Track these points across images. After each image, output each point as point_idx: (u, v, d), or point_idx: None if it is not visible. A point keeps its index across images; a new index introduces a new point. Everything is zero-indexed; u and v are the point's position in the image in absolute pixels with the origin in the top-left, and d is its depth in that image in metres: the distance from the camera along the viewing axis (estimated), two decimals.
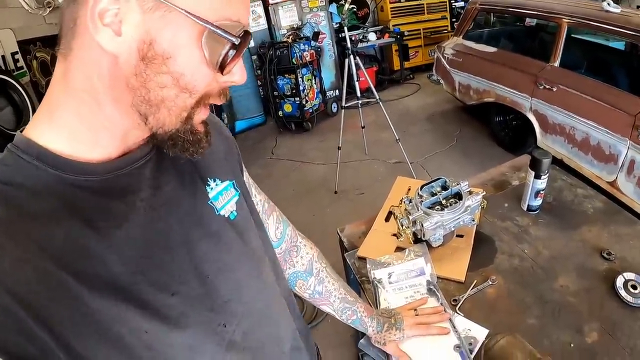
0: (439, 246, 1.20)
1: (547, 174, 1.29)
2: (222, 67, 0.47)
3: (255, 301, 0.64)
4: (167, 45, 0.44)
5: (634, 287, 1.04)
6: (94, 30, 0.42)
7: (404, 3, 5.50)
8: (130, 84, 0.45)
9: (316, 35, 4.66)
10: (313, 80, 4.64)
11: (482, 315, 1.04)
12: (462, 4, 5.87)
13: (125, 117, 0.48)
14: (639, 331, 0.94)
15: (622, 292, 1.03)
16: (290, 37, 4.56)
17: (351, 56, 3.22)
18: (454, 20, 5.77)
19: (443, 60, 4.13)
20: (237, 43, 0.46)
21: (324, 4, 4.86)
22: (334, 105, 4.94)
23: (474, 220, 1.20)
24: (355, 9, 5.05)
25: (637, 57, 3.30)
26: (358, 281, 1.22)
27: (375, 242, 1.31)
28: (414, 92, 5.39)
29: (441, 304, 1.06)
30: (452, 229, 1.19)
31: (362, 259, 1.26)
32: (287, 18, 4.79)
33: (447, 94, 4.47)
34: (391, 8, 5.42)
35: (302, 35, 4.63)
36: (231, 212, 0.63)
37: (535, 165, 1.28)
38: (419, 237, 1.19)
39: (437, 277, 1.15)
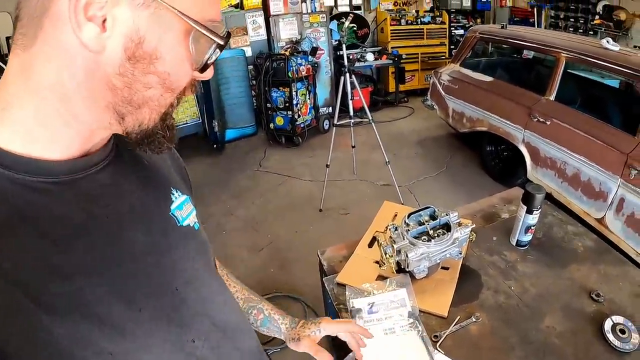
0: (422, 278, 1.16)
1: (540, 210, 1.26)
2: (205, 67, 0.48)
3: (221, 314, 0.63)
4: (155, 44, 0.43)
5: (622, 332, 1.01)
6: (75, 24, 0.39)
7: (404, 26, 5.59)
8: (112, 84, 0.43)
9: (314, 50, 4.69)
10: (307, 95, 4.64)
11: (464, 354, 0.99)
12: (461, 31, 5.97)
13: (97, 117, 0.46)
14: None
15: (610, 337, 1.00)
16: (288, 50, 4.58)
17: (347, 74, 3.22)
18: (452, 47, 5.87)
19: (439, 85, 4.18)
20: (222, 44, 0.46)
21: (325, 20, 4.91)
22: (326, 122, 4.94)
23: (460, 254, 1.17)
24: (355, 28, 5.12)
25: (631, 95, 3.37)
26: (335, 309, 1.16)
27: (356, 269, 1.26)
28: (407, 116, 5.44)
29: (422, 338, 1.01)
30: (438, 261, 1.15)
31: (342, 286, 1.21)
32: (287, 31, 4.83)
33: (440, 119, 4.52)
34: (391, 30, 5.50)
35: (300, 50, 4.66)
36: (194, 222, 0.63)
37: (527, 199, 1.26)
38: (402, 267, 1.15)
39: (419, 311, 1.10)
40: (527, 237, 1.32)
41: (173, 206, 0.59)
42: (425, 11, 5.91)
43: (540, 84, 3.28)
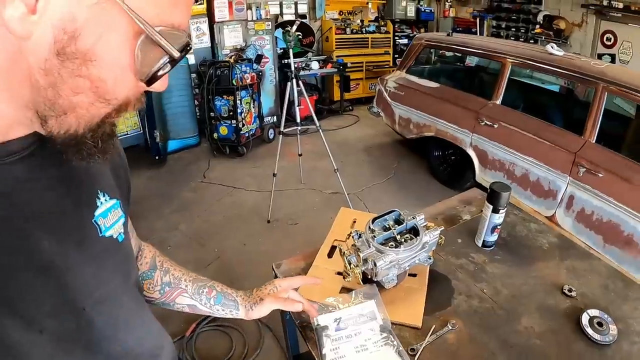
0: (391, 287, 1.05)
1: (505, 209, 1.22)
2: (151, 80, 0.42)
3: (137, 339, 0.58)
4: (93, 42, 0.36)
5: (600, 325, 0.99)
6: None
7: (350, 35, 5.65)
8: (34, 80, 0.37)
9: (259, 58, 4.59)
10: (252, 104, 4.52)
11: None
12: (405, 41, 6.15)
13: (14, 112, 0.40)
14: None
15: (590, 331, 0.98)
16: (233, 57, 4.43)
17: (294, 80, 3.12)
18: (396, 56, 6.02)
19: (385, 92, 4.21)
20: (176, 57, 0.41)
21: (270, 27, 4.84)
22: (271, 131, 4.84)
23: (430, 258, 1.09)
24: (300, 36, 5.09)
25: (571, 98, 3.58)
26: (297, 326, 1.03)
27: (316, 287, 1.12)
28: (352, 124, 5.47)
29: (399, 353, 0.91)
30: (407, 268, 1.05)
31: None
32: (231, 38, 4.71)
33: (386, 127, 4.58)
34: (336, 39, 5.55)
35: (244, 57, 4.53)
36: (119, 233, 0.56)
37: (493, 198, 1.21)
38: (369, 277, 1.04)
39: (391, 323, 0.99)
40: (494, 237, 1.28)
41: (97, 212, 0.52)
42: (370, 21, 6.03)
43: (486, 89, 3.39)
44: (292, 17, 5.34)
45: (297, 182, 3.92)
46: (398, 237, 1.05)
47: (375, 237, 1.02)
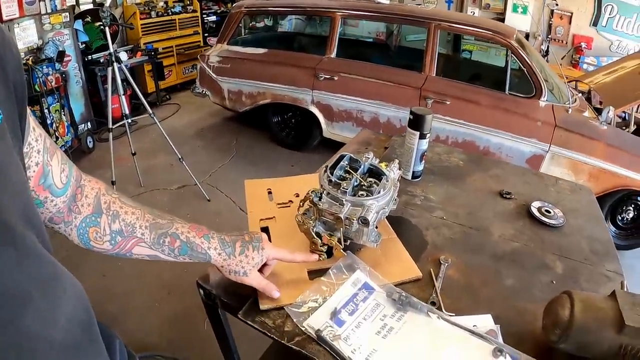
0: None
1: (430, 132, 1.18)
2: None
3: (7, 279, 0.40)
4: None
5: (548, 211, 1.10)
6: None
7: (155, 19, 5.11)
8: None
9: (61, 54, 3.78)
10: (62, 111, 3.72)
11: (468, 302, 0.82)
12: (214, 18, 5.92)
13: None
14: (574, 243, 1.03)
15: (545, 219, 1.08)
16: (30, 59, 3.51)
17: (115, 64, 2.57)
18: (206, 34, 5.77)
19: (208, 69, 3.87)
20: None
21: (69, 20, 4.00)
22: (89, 139, 4.05)
23: (396, 200, 0.96)
24: (102, 27, 4.32)
25: (389, 44, 3.91)
26: (292, 348, 0.76)
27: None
28: (174, 112, 5.00)
29: (427, 312, 0.77)
30: (382, 218, 0.90)
31: (271, 311, 0.79)
32: (24, 38, 3.71)
33: (211, 108, 4.35)
34: (142, 25, 4.94)
35: (44, 57, 3.68)
36: None
37: (418, 124, 1.17)
38: (350, 241, 0.86)
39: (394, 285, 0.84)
40: (422, 166, 1.25)
41: None
42: (175, 1, 5.61)
43: (317, 45, 3.44)
44: (90, 7, 4.52)
45: (137, 185, 3.34)
46: (366, 184, 0.88)
47: (345, 190, 0.83)
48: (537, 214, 1.09)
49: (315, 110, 3.35)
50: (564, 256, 0.97)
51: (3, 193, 0.42)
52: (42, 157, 0.57)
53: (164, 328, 2.09)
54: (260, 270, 0.78)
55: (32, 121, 0.56)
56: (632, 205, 2.83)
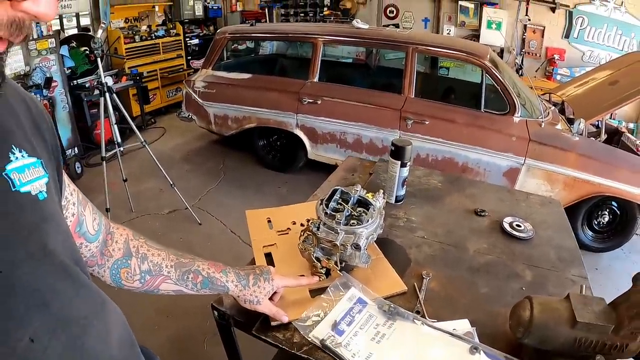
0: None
1: (410, 161, 1.36)
2: None
3: (70, 307, 0.53)
4: None
5: (518, 226, 1.28)
6: None
7: (139, 43, 5.28)
8: None
9: (49, 81, 3.87)
10: None
11: (448, 310, 0.99)
12: (196, 41, 6.10)
13: None
14: (543, 252, 1.19)
15: (515, 233, 1.26)
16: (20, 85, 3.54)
17: (107, 94, 2.72)
18: (189, 57, 5.97)
19: (194, 94, 4.02)
20: None
21: (55, 45, 4.10)
22: (77, 164, 4.12)
23: (382, 225, 1.13)
24: (87, 52, 4.46)
25: (368, 66, 4.17)
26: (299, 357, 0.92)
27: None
28: (160, 136, 5.10)
29: (412, 320, 0.93)
30: (372, 242, 1.07)
31: (281, 327, 0.95)
32: (12, 64, 3.84)
33: (197, 131, 4.47)
34: (126, 49, 5.10)
35: (32, 83, 3.77)
36: (40, 191, 0.53)
37: (399, 154, 1.34)
38: (345, 263, 1.02)
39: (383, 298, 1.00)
40: (403, 191, 1.42)
41: (10, 167, 0.49)
42: (158, 25, 5.79)
43: (300, 67, 3.63)
44: (75, 31, 4.70)
45: (128, 211, 3.43)
46: (356, 213, 1.05)
47: (339, 221, 0.99)
48: (508, 229, 1.27)
49: (300, 133, 3.53)
50: (533, 265, 1.14)
51: (57, 239, 0.53)
52: (77, 208, 0.68)
53: (164, 350, 2.19)
54: (271, 298, 0.93)
55: (66, 178, 0.67)
56: (607, 210, 3.07)
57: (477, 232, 1.28)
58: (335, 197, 1.08)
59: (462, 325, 0.94)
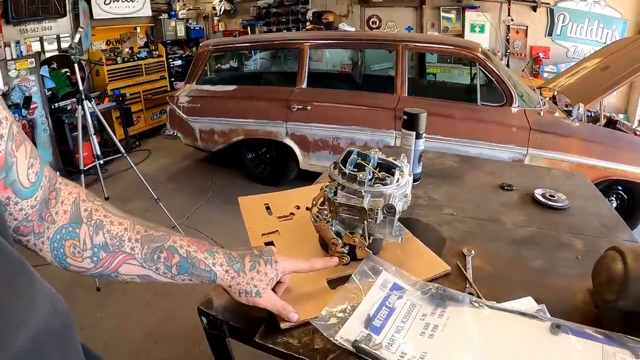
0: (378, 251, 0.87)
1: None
2: None
3: None
4: None
5: (552, 196, 1.15)
6: None
7: (121, 65, 5.23)
8: None
9: (28, 100, 3.81)
10: None
11: (504, 289, 0.81)
12: (179, 62, 6.09)
13: None
14: (584, 220, 1.07)
15: (550, 202, 1.13)
16: None
17: (85, 102, 2.62)
18: (172, 79, 5.94)
19: (178, 110, 3.87)
20: None
21: (35, 66, 4.06)
22: None
23: (408, 196, 0.95)
24: (69, 74, 4.40)
25: (354, 72, 4.09)
26: None
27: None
28: (146, 158, 4.99)
29: (471, 302, 0.74)
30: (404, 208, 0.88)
31: (294, 329, 0.72)
32: None
33: (183, 151, 4.35)
34: (108, 71, 5.03)
35: (10, 103, 3.72)
36: None
37: (413, 124, 1.19)
38: (375, 237, 0.83)
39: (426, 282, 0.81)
40: (420, 168, 1.27)
41: None
42: (140, 47, 5.78)
43: (286, 83, 3.51)
44: (56, 53, 4.69)
45: None
46: (379, 175, 0.85)
47: (362, 180, 0.80)
48: (542, 199, 1.13)
49: (290, 142, 3.38)
50: (579, 233, 1.00)
51: None
52: (6, 144, 0.45)
53: None
54: (274, 290, 0.71)
55: None
56: (614, 196, 2.96)
57: (508, 205, 1.14)
58: (352, 157, 0.87)
59: (528, 304, 0.75)
